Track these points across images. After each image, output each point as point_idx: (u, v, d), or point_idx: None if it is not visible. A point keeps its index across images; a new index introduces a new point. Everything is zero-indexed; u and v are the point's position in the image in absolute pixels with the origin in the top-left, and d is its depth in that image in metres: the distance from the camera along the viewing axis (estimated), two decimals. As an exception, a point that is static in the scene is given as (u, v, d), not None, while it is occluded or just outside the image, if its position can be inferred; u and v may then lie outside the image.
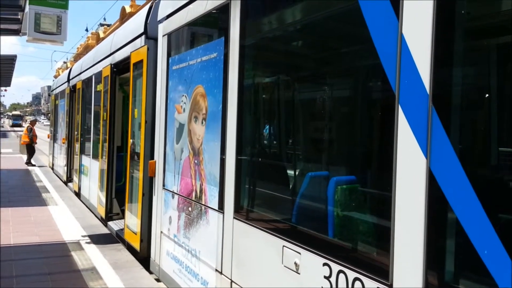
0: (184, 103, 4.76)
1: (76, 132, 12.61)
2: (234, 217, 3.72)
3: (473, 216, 1.87)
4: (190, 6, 4.65)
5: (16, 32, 10.47)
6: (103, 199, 8.38)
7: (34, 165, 18.53)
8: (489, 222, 1.83)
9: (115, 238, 7.63)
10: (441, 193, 1.98)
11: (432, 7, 2.03)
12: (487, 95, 2.30)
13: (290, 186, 3.98)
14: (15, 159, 21.04)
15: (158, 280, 5.60)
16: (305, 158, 4.06)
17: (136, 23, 6.91)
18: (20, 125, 74.88)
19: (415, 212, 2.07)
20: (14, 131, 60.82)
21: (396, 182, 2.17)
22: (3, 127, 63.64)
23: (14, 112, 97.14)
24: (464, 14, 2.11)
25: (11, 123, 74.85)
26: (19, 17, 9.67)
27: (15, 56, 16.81)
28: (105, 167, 8.29)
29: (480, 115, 2.28)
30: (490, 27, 2.29)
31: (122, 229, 7.38)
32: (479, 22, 2.29)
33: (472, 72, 2.28)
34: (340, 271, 2.52)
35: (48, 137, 20.20)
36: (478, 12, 2.24)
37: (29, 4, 8.26)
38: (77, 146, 12.21)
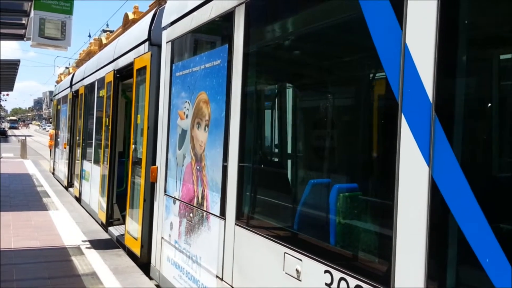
0: (187, 109, 4.78)
1: (77, 137, 12.63)
2: (235, 224, 3.73)
3: (475, 225, 1.88)
4: (195, 13, 4.68)
5: (20, 37, 10.53)
6: (104, 205, 8.38)
7: None
8: (491, 230, 1.83)
9: (116, 243, 7.62)
10: (443, 201, 1.99)
11: (435, 17, 2.05)
12: (489, 104, 2.32)
13: (292, 193, 3.99)
14: (16, 164, 21.06)
15: (158, 286, 5.60)
16: (307, 166, 4.07)
17: (140, 30, 6.95)
18: (16, 128, 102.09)
19: (417, 220, 2.08)
20: (15, 135, 61.19)
21: (399, 190, 2.19)
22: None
23: (11, 117, 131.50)
24: (467, 24, 2.14)
25: (8, 126, 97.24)
26: (24, 22, 9.73)
27: (19, 60, 16.86)
28: (107, 172, 8.30)
29: (482, 124, 2.29)
30: (493, 37, 2.31)
31: (122, 235, 7.38)
32: (482, 32, 2.32)
33: (475, 81, 2.30)
34: (341, 278, 2.52)
35: (50, 144, 20.23)
36: (482, 22, 2.26)
37: (34, 9, 8.30)
38: (79, 151, 12.22)
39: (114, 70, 8.18)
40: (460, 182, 1.94)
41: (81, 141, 11.94)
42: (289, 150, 4.45)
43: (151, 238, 5.87)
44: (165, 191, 5.35)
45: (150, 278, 5.86)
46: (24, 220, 9.09)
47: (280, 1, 3.67)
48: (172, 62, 5.34)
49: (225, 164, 3.92)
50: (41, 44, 8.49)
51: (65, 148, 14.73)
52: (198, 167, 4.46)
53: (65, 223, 8.99)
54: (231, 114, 3.84)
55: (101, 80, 9.33)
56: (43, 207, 10.62)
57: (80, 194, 11.61)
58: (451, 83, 2.12)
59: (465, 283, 2.10)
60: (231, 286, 3.78)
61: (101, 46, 58.38)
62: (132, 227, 6.64)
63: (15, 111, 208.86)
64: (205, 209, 4.27)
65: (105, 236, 8.21)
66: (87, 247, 7.27)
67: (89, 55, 59.71)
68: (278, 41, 3.84)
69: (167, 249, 5.23)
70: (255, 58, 3.83)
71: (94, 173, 9.91)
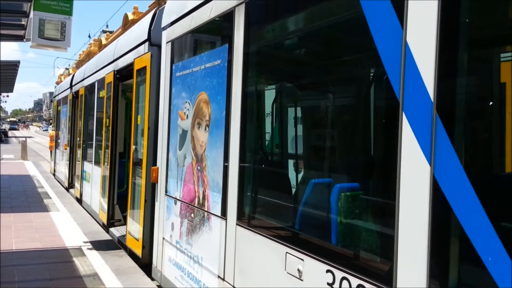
0: (188, 109, 4.78)
1: (78, 138, 12.63)
2: (237, 224, 3.73)
3: (477, 224, 1.88)
4: (194, 13, 4.68)
5: (20, 38, 10.53)
6: (105, 205, 8.38)
7: None
8: (493, 229, 1.83)
9: (117, 244, 7.62)
10: (445, 200, 1.98)
11: (436, 16, 2.05)
12: (491, 103, 2.31)
13: (293, 193, 3.99)
14: (16, 165, 21.07)
15: (160, 286, 5.60)
16: (308, 165, 4.07)
17: (140, 30, 6.95)
18: (16, 129, 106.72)
19: (419, 219, 2.08)
20: (15, 136, 61.32)
21: (400, 189, 2.18)
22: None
23: (11, 119, 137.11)
24: (468, 23, 2.13)
25: (9, 127, 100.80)
26: (24, 23, 9.73)
27: (18, 62, 16.85)
28: (107, 173, 8.30)
29: (484, 123, 2.28)
30: (494, 36, 2.31)
31: (124, 236, 7.38)
32: (483, 31, 2.31)
33: (476, 80, 2.30)
34: (343, 278, 2.52)
35: (50, 145, 20.25)
36: (483, 22, 2.26)
37: (34, 10, 8.30)
38: (79, 152, 12.22)
39: (114, 70, 8.18)
40: (462, 181, 1.94)
41: (81, 142, 11.94)
42: (290, 150, 4.44)
43: (153, 239, 5.87)
44: (166, 191, 5.35)
45: (152, 279, 5.86)
46: (25, 221, 9.09)
47: (280, 1, 3.66)
48: (172, 62, 5.34)
49: (226, 164, 3.91)
50: (41, 45, 8.48)
51: (65, 149, 14.73)
52: (199, 168, 4.45)
53: (66, 224, 8.99)
54: (232, 114, 3.84)
55: (101, 81, 9.33)
56: (44, 208, 10.62)
57: (81, 195, 11.61)
58: (452, 82, 2.11)
59: (468, 282, 2.10)
60: (233, 286, 3.78)
61: (101, 46, 58.40)
62: (133, 227, 6.64)
63: (16, 113, 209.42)
64: (206, 209, 4.27)
65: (106, 237, 8.21)
66: (88, 248, 7.27)
67: (89, 56, 59.74)
68: (278, 40, 3.84)
69: (168, 249, 5.23)
70: (255, 58, 3.83)
71: (95, 174, 9.90)
